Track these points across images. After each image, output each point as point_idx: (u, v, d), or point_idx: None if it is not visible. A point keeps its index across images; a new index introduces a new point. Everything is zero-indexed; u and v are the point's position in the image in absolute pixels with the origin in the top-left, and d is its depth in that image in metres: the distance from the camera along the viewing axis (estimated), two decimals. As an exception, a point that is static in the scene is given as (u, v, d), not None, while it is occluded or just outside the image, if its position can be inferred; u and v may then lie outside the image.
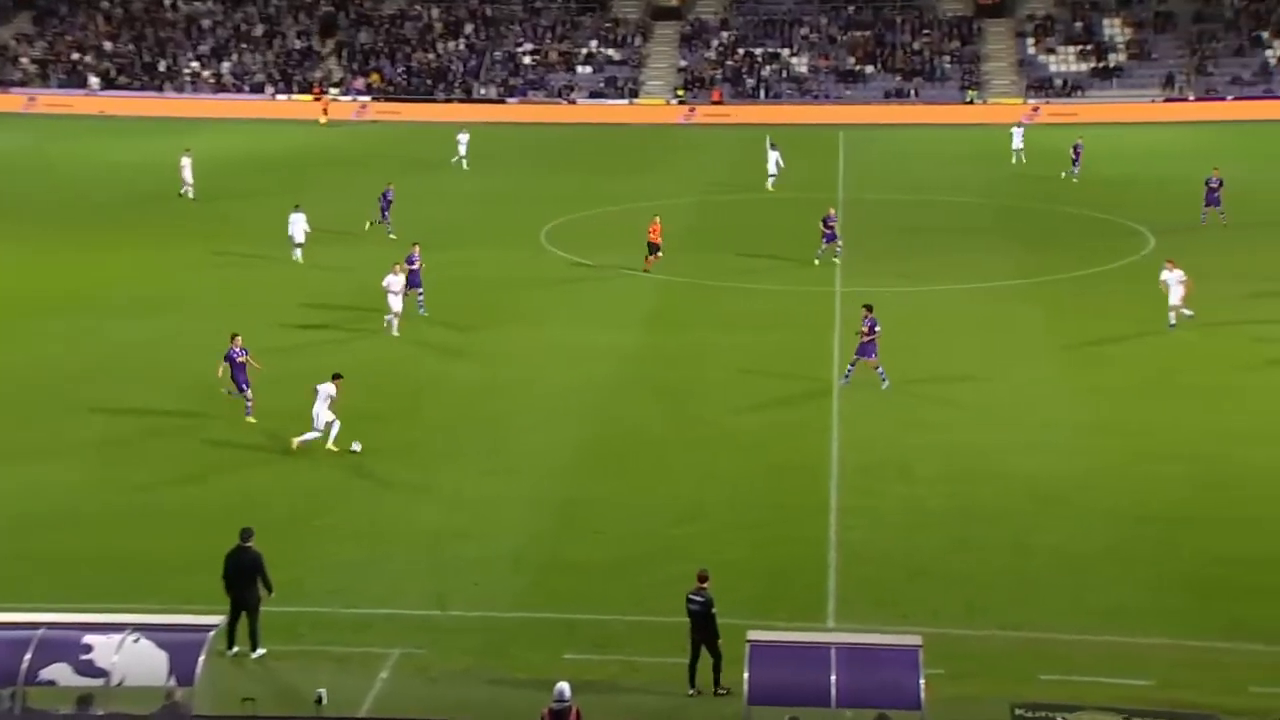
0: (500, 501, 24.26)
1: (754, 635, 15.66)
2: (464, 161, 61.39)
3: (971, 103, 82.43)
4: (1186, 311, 33.39)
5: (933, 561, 21.69)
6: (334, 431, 26.19)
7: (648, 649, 19.06)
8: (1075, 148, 57.52)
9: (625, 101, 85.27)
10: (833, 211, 43.58)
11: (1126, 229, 46.89)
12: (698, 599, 18.20)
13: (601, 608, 20.28)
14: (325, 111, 79.25)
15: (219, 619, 16.97)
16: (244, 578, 18.91)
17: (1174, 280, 33.40)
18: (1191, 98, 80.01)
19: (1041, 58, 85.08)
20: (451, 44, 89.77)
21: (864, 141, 72.96)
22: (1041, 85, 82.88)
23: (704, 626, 18.04)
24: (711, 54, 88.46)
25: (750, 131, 78.91)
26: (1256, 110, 76.16)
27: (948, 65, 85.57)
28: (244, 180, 57.63)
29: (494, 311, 36.89)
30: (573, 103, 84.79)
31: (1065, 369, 30.94)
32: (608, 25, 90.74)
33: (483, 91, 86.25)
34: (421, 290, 35.65)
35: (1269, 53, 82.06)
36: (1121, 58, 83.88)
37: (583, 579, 21.31)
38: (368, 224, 46.23)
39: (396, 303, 34.22)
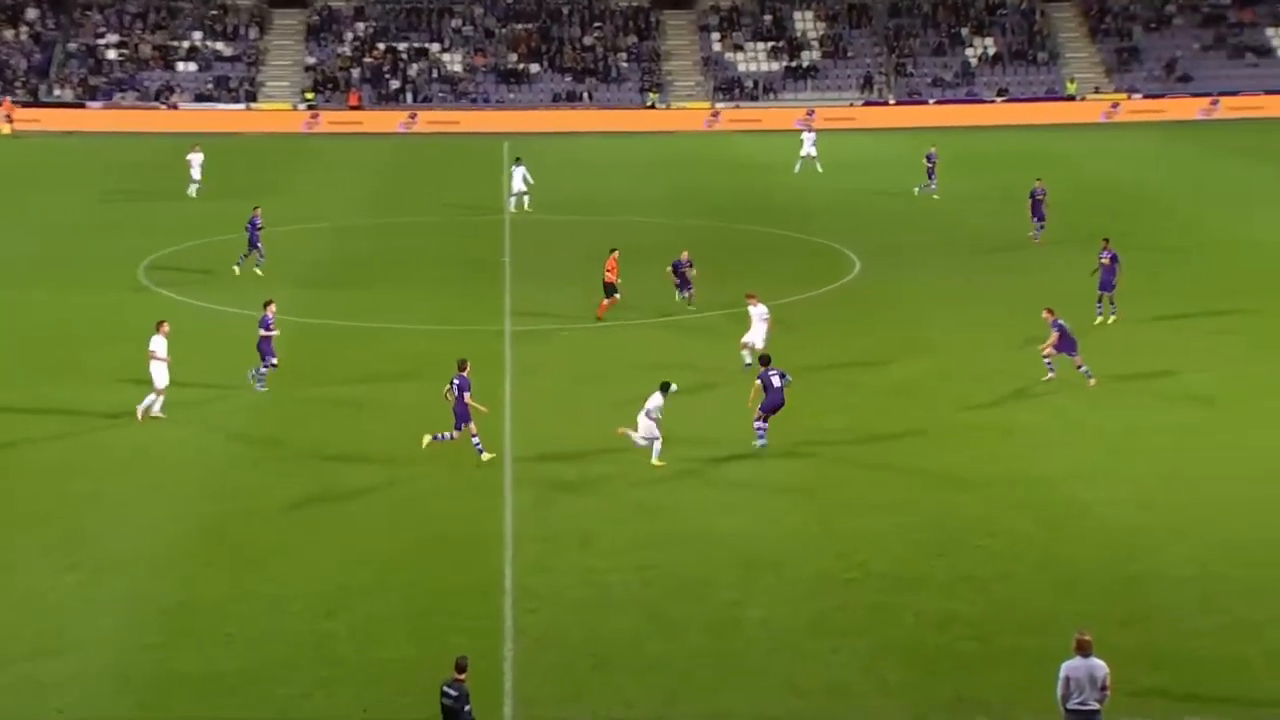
0: (91, 605, 23.16)
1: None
2: (197, 188, 58.66)
3: (653, 107, 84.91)
4: (746, 357, 34.46)
5: (624, 645, 21.97)
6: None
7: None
8: (929, 157, 58.25)
9: (241, 106, 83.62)
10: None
11: (828, 250, 49.24)
12: (452, 692, 18.05)
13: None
14: None
15: None
16: None
17: (758, 316, 34.86)
18: (892, 101, 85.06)
19: (729, 55, 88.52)
20: (9, 32, 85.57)
21: (533, 152, 73.93)
22: (730, 87, 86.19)
23: None
24: (346, 49, 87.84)
25: (393, 142, 78.73)
26: (959, 115, 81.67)
27: (625, 64, 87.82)
28: None
29: (75, 366, 35.61)
30: (174, 107, 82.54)
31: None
32: (214, 13, 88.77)
33: (56, 93, 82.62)
34: None
35: (970, 51, 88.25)
36: (816, 56, 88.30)
37: (207, 694, 20.55)
38: (237, 266, 44.99)
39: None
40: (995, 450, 29.97)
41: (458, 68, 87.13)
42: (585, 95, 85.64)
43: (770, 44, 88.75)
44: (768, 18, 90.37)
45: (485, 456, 29.09)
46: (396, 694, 20.56)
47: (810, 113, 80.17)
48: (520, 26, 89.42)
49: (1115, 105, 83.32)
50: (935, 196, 57.42)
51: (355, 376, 35.08)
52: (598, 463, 29.49)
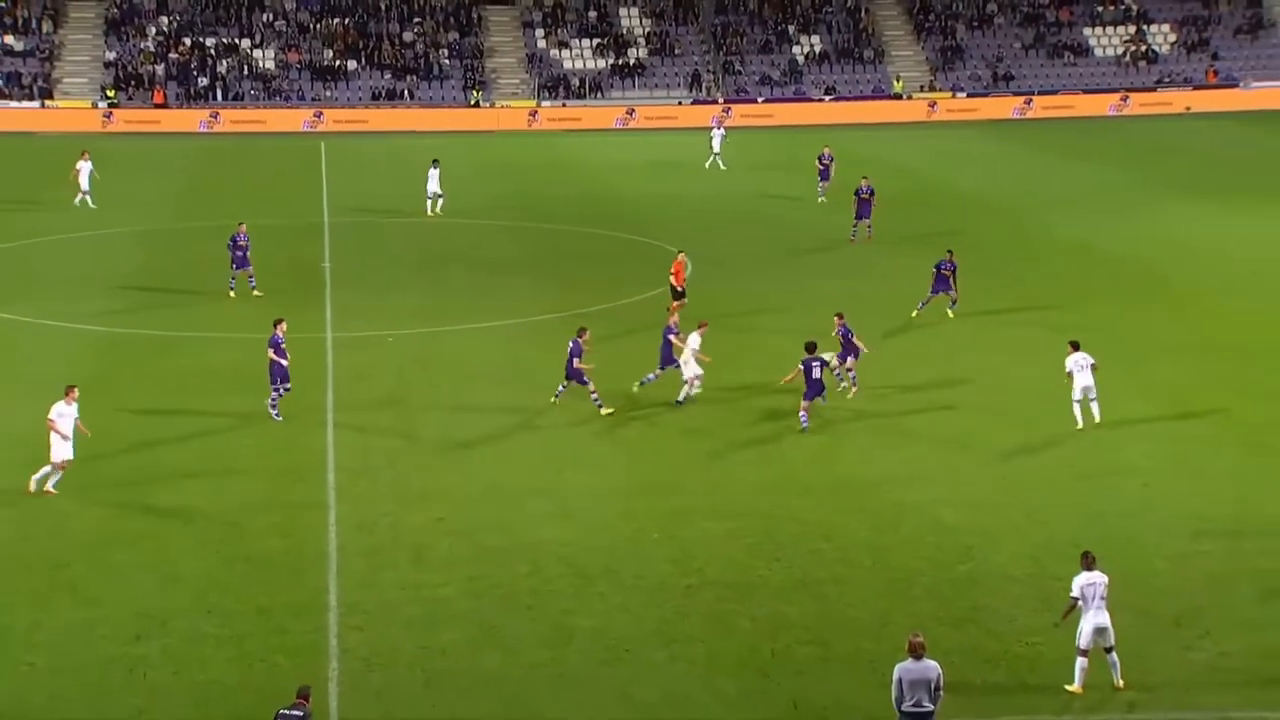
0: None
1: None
2: (89, 199, 56.41)
3: (477, 105, 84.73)
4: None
5: (456, 660, 21.94)
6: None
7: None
8: (821, 158, 58.17)
9: (35, 104, 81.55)
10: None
11: (658, 251, 49.64)
12: (295, 714, 17.71)
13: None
14: None
15: None
16: None
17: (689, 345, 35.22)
18: (720, 99, 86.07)
19: (554, 53, 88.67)
20: None
21: (351, 152, 73.33)
22: (556, 85, 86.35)
23: None
24: (149, 44, 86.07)
25: (197, 142, 77.40)
26: (789, 114, 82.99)
27: (446, 61, 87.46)
28: None
29: None
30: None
31: (596, 423, 32.27)
32: (3, 6, 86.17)
33: None
34: None
35: (797, 49, 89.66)
36: (643, 53, 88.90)
37: (7, 729, 20.06)
38: (231, 289, 42.78)
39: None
40: (827, 456, 30.54)
41: (270, 64, 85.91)
42: (406, 93, 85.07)
43: (596, 41, 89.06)
44: (593, 14, 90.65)
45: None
46: (209, 717, 20.29)
47: (727, 110, 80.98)
48: (336, 21, 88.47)
49: (933, 105, 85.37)
50: (822, 199, 57.39)
51: (170, 388, 34.47)
52: (426, 475, 29.41)
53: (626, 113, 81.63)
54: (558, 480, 29.13)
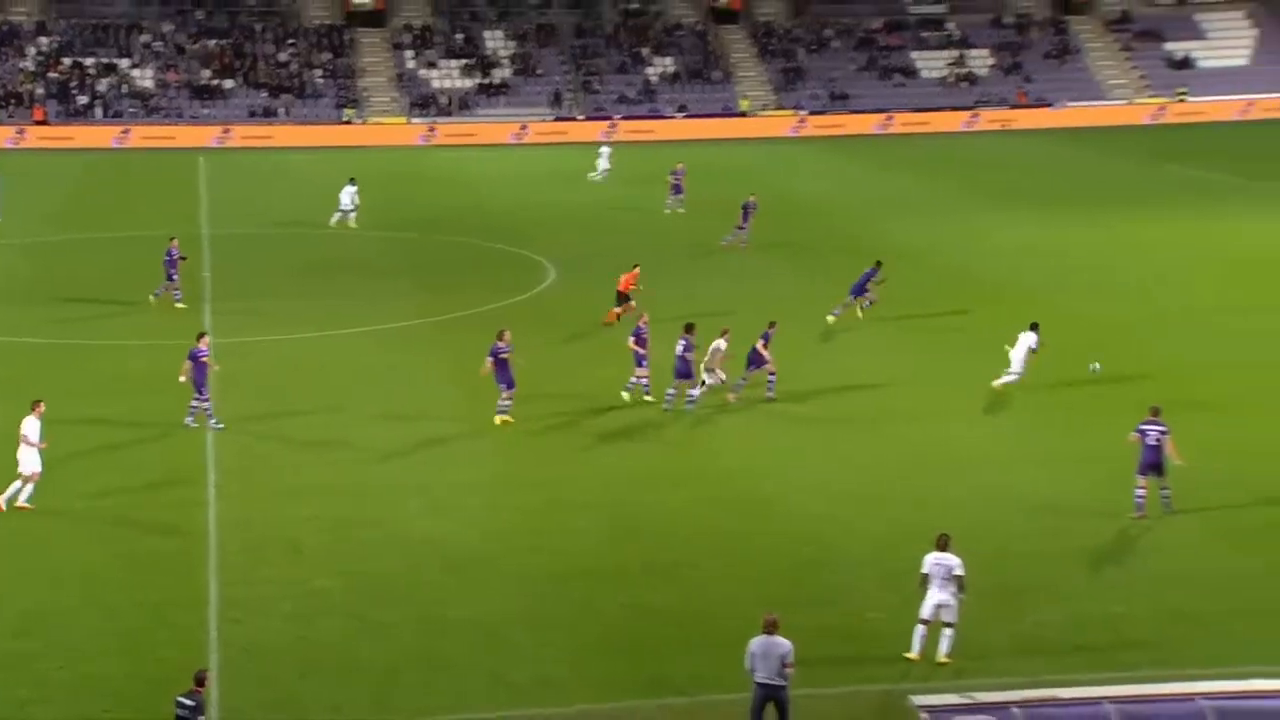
0: None
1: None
2: None
3: (350, 122, 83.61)
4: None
5: (331, 651, 21.43)
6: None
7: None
8: (674, 173, 57.81)
9: (-89, 122, 79.04)
10: (175, 243, 42.18)
11: (523, 259, 49.29)
12: (188, 703, 17.33)
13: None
14: None
15: None
16: None
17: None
18: (581, 117, 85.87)
19: (423, 72, 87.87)
20: None
21: (229, 167, 71.91)
22: (426, 103, 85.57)
23: None
24: (29, 64, 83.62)
25: (83, 157, 75.52)
26: (641, 129, 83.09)
27: (320, 80, 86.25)
28: None
29: None
30: None
31: (471, 422, 31.76)
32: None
33: None
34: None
35: (651, 70, 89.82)
36: (507, 73, 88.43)
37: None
38: (152, 296, 41.38)
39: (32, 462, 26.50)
40: (690, 449, 30.36)
41: (149, 83, 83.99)
42: (281, 111, 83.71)
43: (463, 61, 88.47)
44: (460, 36, 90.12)
45: None
46: (105, 710, 19.61)
47: (612, 126, 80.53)
48: (212, 43, 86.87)
49: (803, 120, 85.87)
50: (680, 210, 57.25)
51: (54, 394, 33.21)
52: (302, 474, 28.78)
53: (520, 128, 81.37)
54: (431, 477, 28.63)
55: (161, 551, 24.92)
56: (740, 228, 50.40)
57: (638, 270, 40.34)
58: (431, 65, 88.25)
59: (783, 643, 18.52)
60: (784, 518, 26.54)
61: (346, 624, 22.27)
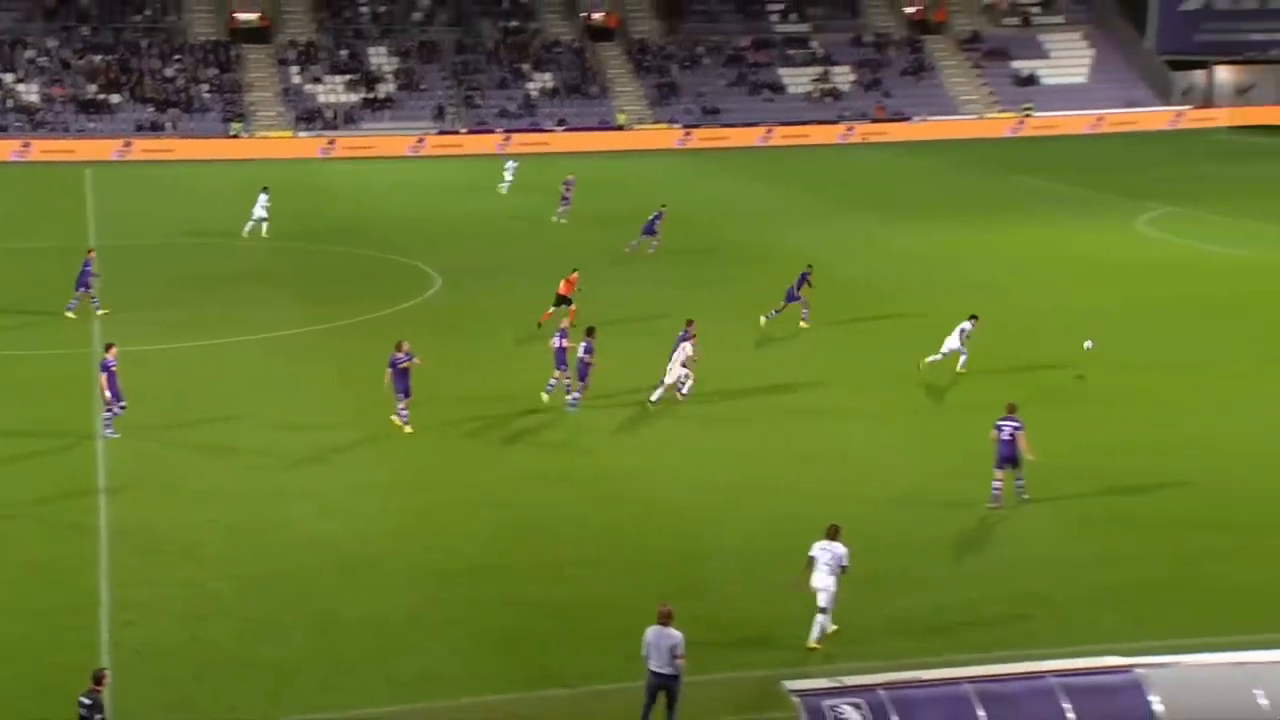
0: None
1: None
2: None
3: (236, 136, 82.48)
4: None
5: (226, 651, 21.24)
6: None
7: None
8: (566, 184, 57.62)
9: None
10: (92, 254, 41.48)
11: (408, 268, 49.08)
12: (86, 701, 17.04)
13: None
14: None
15: None
16: None
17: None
18: (464, 130, 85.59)
19: (309, 87, 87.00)
20: None
21: (116, 180, 70.56)
22: (311, 117, 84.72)
23: None
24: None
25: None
26: (535, 142, 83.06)
27: (207, 95, 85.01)
28: None
29: None
30: None
31: (363, 427, 31.58)
32: None
33: None
34: None
35: (531, 85, 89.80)
36: (391, 88, 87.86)
37: None
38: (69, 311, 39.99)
39: None
40: (576, 450, 30.39)
41: (34, 98, 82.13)
42: (168, 125, 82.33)
43: (348, 77, 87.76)
44: (344, 52, 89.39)
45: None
46: (-7, 717, 19.30)
47: (507, 138, 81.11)
48: (98, 58, 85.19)
49: (688, 134, 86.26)
50: (564, 221, 57.24)
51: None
52: (201, 479, 28.41)
53: (417, 141, 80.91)
54: (324, 481, 28.44)
55: (53, 559, 24.47)
56: (647, 234, 50.68)
57: (576, 275, 40.21)
58: (317, 80, 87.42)
59: (674, 634, 18.69)
60: (666, 513, 26.75)
61: (241, 625, 22.08)
